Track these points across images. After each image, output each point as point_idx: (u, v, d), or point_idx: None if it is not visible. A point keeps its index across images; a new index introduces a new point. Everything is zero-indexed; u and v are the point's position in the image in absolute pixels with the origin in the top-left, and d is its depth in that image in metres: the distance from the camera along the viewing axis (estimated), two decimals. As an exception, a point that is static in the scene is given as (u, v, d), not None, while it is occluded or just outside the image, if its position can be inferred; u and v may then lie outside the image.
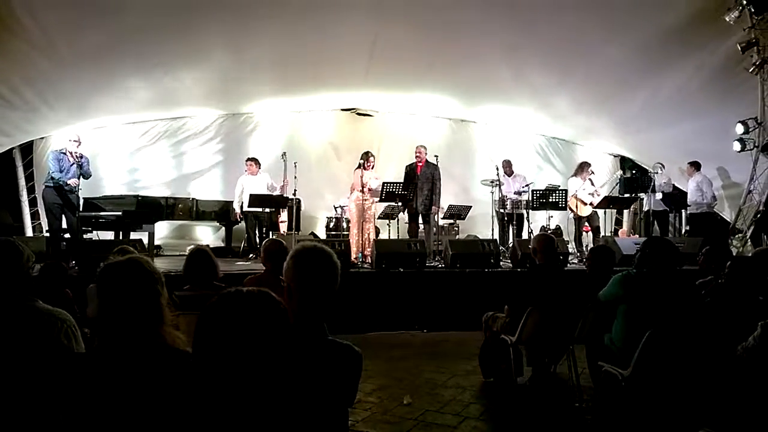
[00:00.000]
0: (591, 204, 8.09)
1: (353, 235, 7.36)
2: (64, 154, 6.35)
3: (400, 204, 7.55)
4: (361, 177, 7.19)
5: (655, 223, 8.46)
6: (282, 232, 8.46)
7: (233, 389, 1.20)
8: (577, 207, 8.12)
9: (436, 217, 7.67)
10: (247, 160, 8.17)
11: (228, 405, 1.21)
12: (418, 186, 7.36)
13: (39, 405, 1.63)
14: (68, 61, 6.55)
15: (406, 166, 7.70)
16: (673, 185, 8.79)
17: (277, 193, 8.00)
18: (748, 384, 2.30)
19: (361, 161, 7.32)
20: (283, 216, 8.67)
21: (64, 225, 6.60)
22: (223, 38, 6.96)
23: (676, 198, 8.42)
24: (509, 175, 8.63)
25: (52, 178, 6.32)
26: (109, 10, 5.80)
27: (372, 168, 7.42)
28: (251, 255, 7.54)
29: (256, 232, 7.97)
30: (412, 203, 7.41)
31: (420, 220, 7.60)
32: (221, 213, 8.55)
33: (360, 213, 7.24)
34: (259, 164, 8.19)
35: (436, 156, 7.51)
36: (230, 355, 1.20)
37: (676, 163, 9.13)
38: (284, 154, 7.72)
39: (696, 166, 8.10)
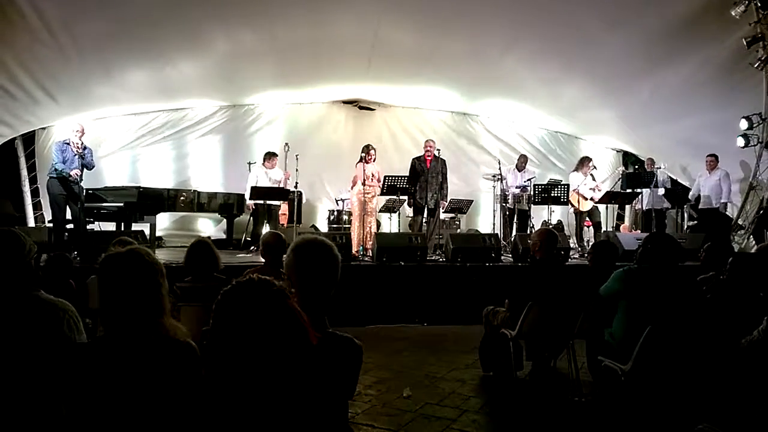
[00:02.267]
0: (591, 199, 8.07)
1: (354, 228, 7.37)
2: (68, 144, 6.35)
3: (405, 197, 7.52)
4: (363, 170, 7.18)
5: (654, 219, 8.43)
6: (281, 224, 8.45)
7: (244, 378, 1.21)
8: (578, 202, 8.11)
9: (440, 211, 7.68)
10: (269, 155, 8.12)
11: (235, 393, 1.21)
12: (428, 180, 7.35)
13: (42, 394, 1.64)
14: (69, 51, 6.53)
15: (413, 159, 7.66)
16: (671, 180, 8.77)
17: (281, 185, 8.01)
18: (751, 378, 2.30)
19: (363, 154, 7.31)
20: (283, 208, 8.66)
21: (69, 216, 6.61)
22: (224, 29, 6.93)
23: (677, 194, 8.39)
24: (520, 170, 8.63)
25: (56, 169, 6.32)
26: (111, 1, 5.78)
27: (373, 161, 7.41)
28: (252, 247, 7.57)
29: (266, 224, 7.98)
30: (420, 197, 7.41)
31: (425, 214, 7.59)
32: (223, 205, 8.55)
33: (361, 206, 7.24)
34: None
35: (438, 149, 7.51)
36: (244, 343, 1.20)
37: (679, 158, 9.10)
38: (287, 145, 7.70)
39: (717, 159, 7.83)
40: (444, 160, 7.56)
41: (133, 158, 9.31)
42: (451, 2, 6.51)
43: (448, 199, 7.92)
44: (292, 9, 6.55)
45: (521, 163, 8.63)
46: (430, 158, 7.51)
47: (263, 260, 3.55)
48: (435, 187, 7.40)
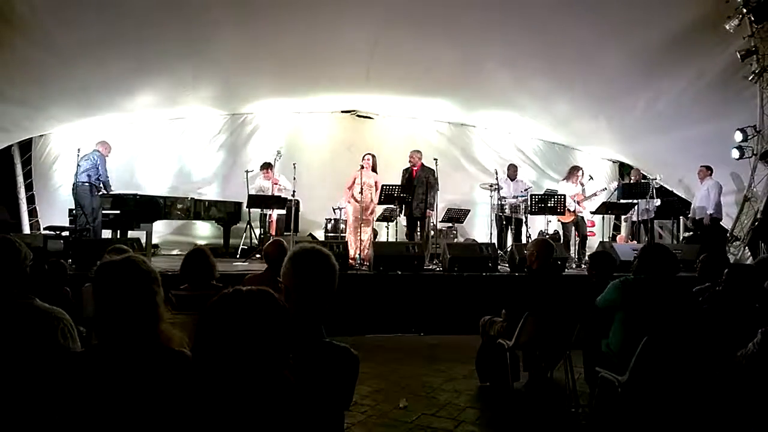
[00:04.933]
0: (574, 211, 8.08)
1: (349, 236, 7.35)
2: (105, 158, 6.93)
3: (398, 207, 7.56)
4: (355, 179, 7.21)
5: (642, 229, 8.43)
6: (270, 233, 8.45)
7: (231, 389, 1.20)
8: (566, 213, 8.12)
9: (431, 220, 7.68)
10: (265, 166, 8.30)
11: (225, 404, 1.21)
12: (414, 191, 7.39)
13: (35, 403, 1.63)
14: (68, 59, 6.54)
15: (403, 171, 7.76)
16: (661, 191, 8.77)
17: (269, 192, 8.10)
18: (746, 390, 2.30)
19: (362, 162, 7.36)
20: (273, 216, 8.65)
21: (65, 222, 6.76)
22: (224, 38, 6.95)
23: (674, 205, 8.41)
24: (512, 179, 8.68)
25: (103, 182, 6.85)
26: (109, 6, 5.81)
27: (372, 170, 7.38)
28: (257, 255, 7.63)
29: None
30: (409, 207, 7.45)
31: (416, 224, 7.64)
32: (220, 213, 8.54)
33: (356, 214, 7.22)
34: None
35: (435, 159, 7.52)
36: (230, 354, 1.20)
37: (675, 169, 9.14)
38: (278, 153, 7.71)
39: (710, 170, 7.82)
40: (432, 169, 7.57)
41: (131, 165, 9.29)
42: (449, 14, 6.57)
43: (443, 209, 7.94)
44: (292, 19, 6.60)
45: (512, 173, 8.71)
46: (416, 168, 7.58)
47: (259, 268, 3.54)
48: (420, 196, 7.43)
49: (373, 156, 7.49)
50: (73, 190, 6.89)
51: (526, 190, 8.21)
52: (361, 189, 7.15)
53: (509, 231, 8.44)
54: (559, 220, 8.27)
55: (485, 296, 5.61)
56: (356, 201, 7.23)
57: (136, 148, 9.30)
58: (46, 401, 1.51)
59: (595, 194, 8.25)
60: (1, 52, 6.07)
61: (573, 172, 8.43)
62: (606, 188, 8.82)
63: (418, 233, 7.67)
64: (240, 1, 6.22)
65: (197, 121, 9.67)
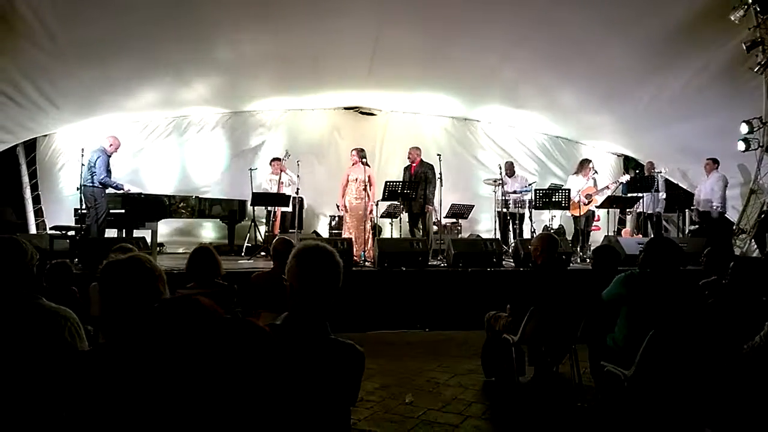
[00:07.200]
0: (585, 203, 8.05)
1: (350, 233, 7.33)
2: (109, 156, 6.76)
3: (403, 204, 7.56)
4: (348, 176, 7.21)
5: (648, 223, 8.39)
6: (275, 230, 8.46)
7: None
8: (579, 207, 8.09)
9: (431, 215, 7.67)
10: (274, 160, 8.43)
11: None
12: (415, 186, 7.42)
13: (43, 402, 1.64)
14: (71, 59, 6.56)
15: (404, 168, 7.81)
16: (666, 184, 8.73)
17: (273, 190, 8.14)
18: (753, 383, 2.29)
19: (351, 159, 7.36)
20: (279, 214, 8.67)
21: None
22: (226, 36, 6.96)
23: (680, 198, 8.36)
24: (510, 176, 8.65)
25: (102, 183, 6.69)
26: (111, 6, 5.81)
27: (364, 164, 7.26)
28: (262, 253, 7.65)
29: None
30: (409, 204, 7.48)
31: (419, 221, 7.66)
32: (224, 211, 8.56)
33: (355, 211, 7.20)
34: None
35: (439, 155, 7.48)
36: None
37: (680, 162, 9.10)
38: (287, 152, 7.70)
39: (716, 163, 7.80)
40: (431, 165, 7.55)
41: (135, 165, 9.33)
42: (451, 9, 6.54)
43: (447, 204, 7.92)
44: (294, 17, 6.58)
45: (509, 170, 8.66)
46: (414, 165, 7.60)
47: (263, 266, 3.55)
48: (419, 192, 7.42)
49: (359, 150, 7.29)
50: (79, 188, 6.91)
51: (530, 184, 8.18)
52: (365, 186, 7.13)
53: (513, 226, 8.42)
54: (571, 213, 8.19)
55: (490, 291, 5.61)
56: (349, 202, 7.19)
57: (139, 147, 9.33)
58: (53, 400, 1.52)
59: (607, 187, 8.19)
60: (3, 53, 6.09)
61: (584, 164, 8.29)
62: (618, 181, 8.77)
63: (420, 229, 7.66)
64: (242, 0, 6.21)
65: (201, 120, 9.69)
